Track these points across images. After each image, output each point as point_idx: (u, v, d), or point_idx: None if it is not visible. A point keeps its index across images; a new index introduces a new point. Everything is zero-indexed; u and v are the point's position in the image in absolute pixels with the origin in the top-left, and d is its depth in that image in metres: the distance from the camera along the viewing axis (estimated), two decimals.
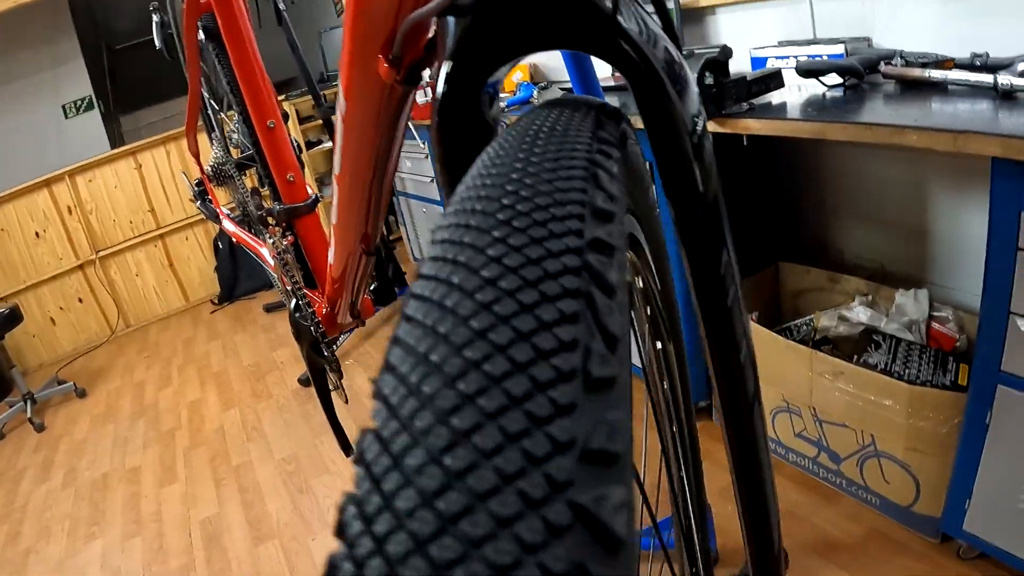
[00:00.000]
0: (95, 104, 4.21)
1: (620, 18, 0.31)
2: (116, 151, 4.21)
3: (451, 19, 0.34)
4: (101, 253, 4.20)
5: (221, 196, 1.90)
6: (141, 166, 4.26)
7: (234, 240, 1.57)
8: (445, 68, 0.33)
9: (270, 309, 4.09)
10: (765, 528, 0.51)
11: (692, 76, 0.37)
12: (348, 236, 0.81)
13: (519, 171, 0.25)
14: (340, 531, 0.17)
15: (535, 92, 2.83)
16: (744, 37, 2.15)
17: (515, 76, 3.24)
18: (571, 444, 0.16)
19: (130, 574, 2.07)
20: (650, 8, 0.40)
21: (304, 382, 3.06)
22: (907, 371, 1.61)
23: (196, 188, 1.66)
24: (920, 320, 1.75)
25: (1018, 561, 1.40)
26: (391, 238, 4.18)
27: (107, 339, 4.27)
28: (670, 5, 1.87)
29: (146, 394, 3.37)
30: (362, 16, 0.48)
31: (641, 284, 0.51)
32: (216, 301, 4.46)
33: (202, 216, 4.34)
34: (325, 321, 1.16)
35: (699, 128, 0.36)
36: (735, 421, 0.47)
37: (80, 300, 4.21)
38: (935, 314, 1.75)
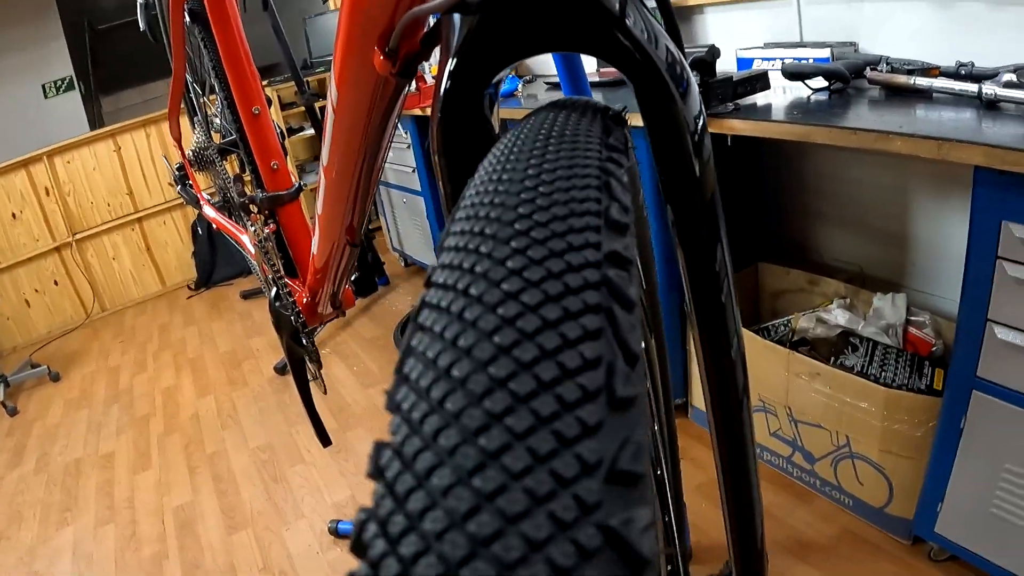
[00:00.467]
0: (75, 84, 4.15)
1: (627, 21, 0.31)
2: (95, 132, 4.15)
3: (456, 16, 0.33)
4: (78, 236, 4.15)
5: (201, 181, 1.88)
6: (120, 148, 4.20)
7: (214, 226, 1.55)
8: (450, 65, 0.33)
9: (247, 296, 4.06)
10: (750, 526, 0.51)
11: (694, 77, 0.37)
12: (333, 227, 0.81)
13: (533, 177, 0.25)
14: (360, 550, 0.17)
15: (520, 85, 2.82)
16: (731, 37, 2.16)
17: None
18: (598, 465, 0.16)
19: (102, 561, 2.05)
20: (651, 3, 0.40)
21: (280, 370, 3.04)
22: (883, 374, 1.63)
23: (177, 173, 1.64)
24: (897, 324, 1.76)
25: (989, 565, 1.42)
26: (371, 227, 4.15)
27: (82, 323, 4.22)
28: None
29: (121, 379, 3.33)
30: (359, 7, 0.47)
31: None
32: (193, 287, 4.42)
33: (181, 200, 4.33)
34: (306, 310, 1.15)
35: (700, 127, 0.37)
36: (725, 418, 0.47)
37: (56, 283, 4.16)
38: (912, 319, 1.77)
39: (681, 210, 0.38)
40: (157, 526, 2.17)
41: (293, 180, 1.12)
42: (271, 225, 1.09)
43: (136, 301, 4.40)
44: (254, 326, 3.66)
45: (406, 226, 3.65)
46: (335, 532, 1.96)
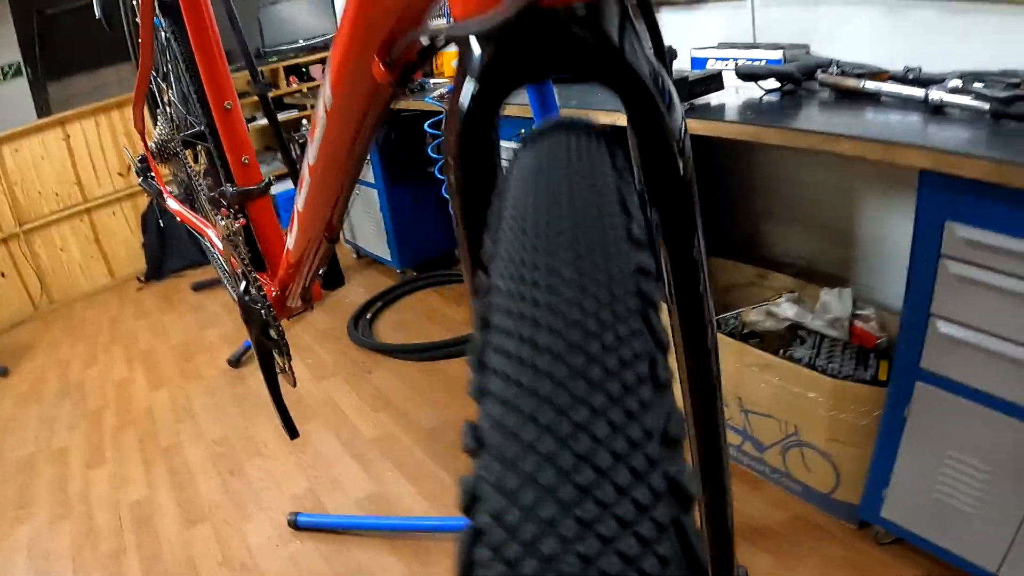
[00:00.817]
0: (23, 70, 4.05)
1: (625, 50, 0.34)
2: (43, 120, 4.05)
3: (474, 40, 0.36)
4: (26, 227, 4.05)
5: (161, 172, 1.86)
6: (69, 137, 4.11)
7: (177, 219, 1.55)
8: (472, 88, 0.35)
9: (199, 288, 4.02)
10: (722, 507, 0.54)
11: (675, 90, 0.40)
12: (314, 224, 0.82)
13: (570, 237, 0.27)
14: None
15: None
16: (686, 37, 2.21)
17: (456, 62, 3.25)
18: (655, 432, 0.21)
19: (60, 558, 2.03)
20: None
21: (234, 363, 3.03)
22: (830, 366, 1.69)
23: (139, 164, 1.63)
24: (844, 318, 1.83)
25: (932, 546, 1.50)
26: None
27: (30, 316, 4.12)
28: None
29: (71, 373, 3.27)
30: (363, 17, 0.50)
31: None
32: (143, 278, 4.35)
33: (131, 191, 4.26)
34: (275, 304, 1.17)
35: (683, 132, 0.40)
36: (701, 406, 0.50)
37: (2, 275, 4.05)
38: (858, 312, 1.84)
39: (665, 208, 0.41)
40: (114, 521, 2.15)
41: (262, 175, 1.13)
42: (241, 219, 1.10)
43: (86, 293, 4.31)
44: (207, 318, 3.63)
45: (359, 218, 3.65)
46: (294, 524, 1.97)
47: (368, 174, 3.33)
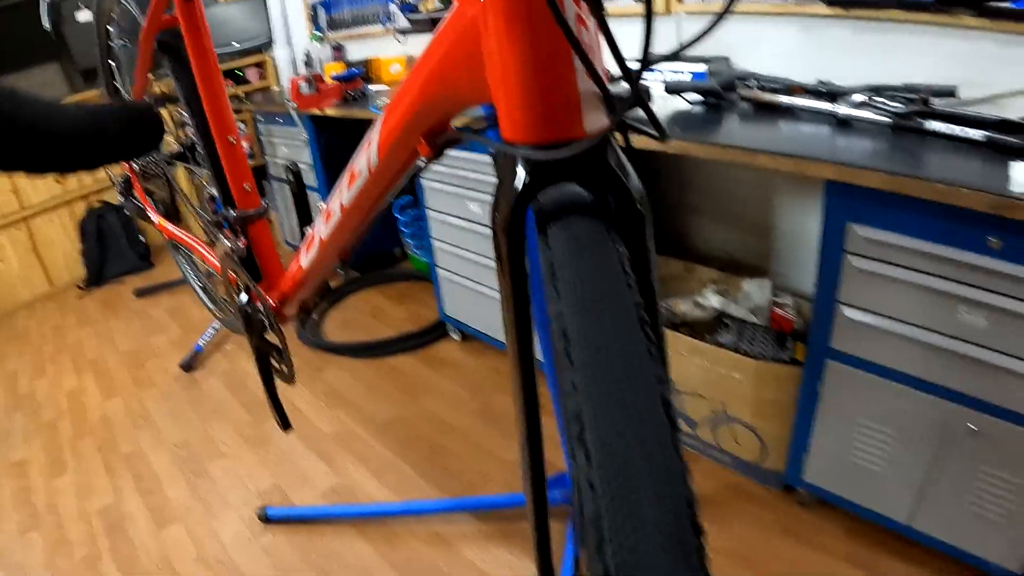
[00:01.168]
0: None
1: (613, 165, 0.50)
2: None
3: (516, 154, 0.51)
4: None
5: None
6: None
7: (164, 236, 1.63)
8: (517, 192, 0.50)
9: (142, 294, 4.02)
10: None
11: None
12: (334, 250, 0.95)
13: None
14: None
15: None
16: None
17: (394, 68, 3.34)
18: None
19: (34, 568, 2.07)
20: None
21: (185, 367, 3.07)
22: (753, 348, 1.85)
23: (122, 184, 1.69)
24: (764, 306, 2.01)
25: (850, 504, 1.68)
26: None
27: None
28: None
29: (20, 384, 3.26)
30: (423, 104, 0.63)
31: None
32: (83, 285, 4.32)
33: (67, 197, 4.22)
34: (276, 312, 1.28)
35: (644, 197, 0.54)
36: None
37: None
38: (777, 300, 2.01)
39: (628, 230, 0.55)
40: (85, 529, 2.19)
41: (260, 200, 1.25)
42: (243, 240, 1.21)
43: (26, 302, 4.25)
44: (153, 324, 3.64)
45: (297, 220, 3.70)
46: (264, 518, 2.05)
47: (310, 178, 3.41)
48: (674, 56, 0.55)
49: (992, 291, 1.29)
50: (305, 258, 1.04)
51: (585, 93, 0.50)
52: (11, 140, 0.75)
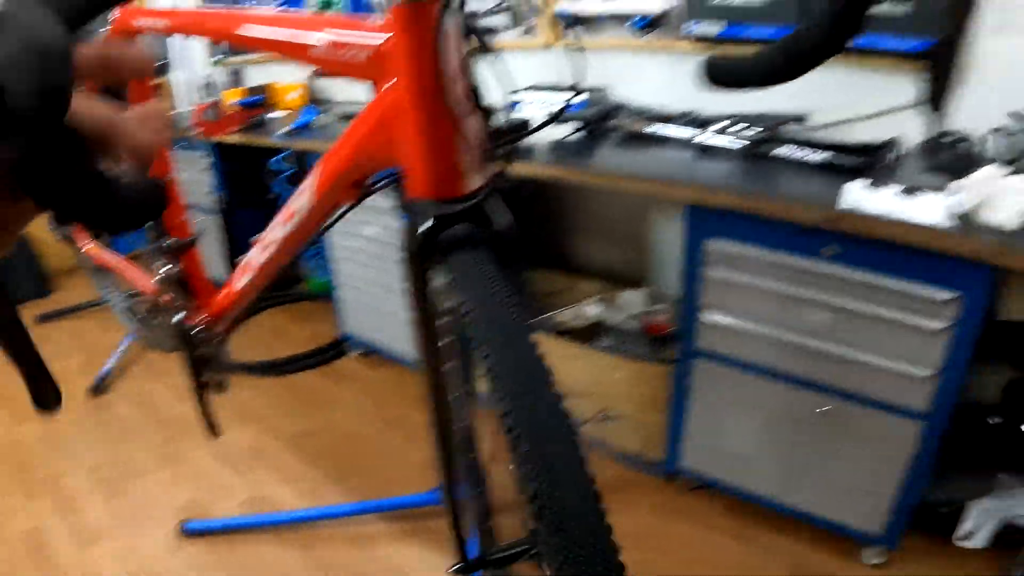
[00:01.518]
0: None
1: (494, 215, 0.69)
2: None
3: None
4: None
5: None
6: None
7: (93, 261, 1.72)
8: (427, 225, 0.66)
9: (45, 319, 3.97)
10: None
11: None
12: (271, 272, 1.10)
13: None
14: None
15: (318, 115, 2.93)
16: (502, 79, 2.50)
17: (292, 95, 3.43)
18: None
19: None
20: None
21: (95, 391, 3.07)
22: (631, 351, 2.03)
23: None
24: (640, 312, 2.19)
25: (727, 487, 1.87)
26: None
27: None
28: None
29: None
30: (354, 163, 0.79)
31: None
32: None
33: None
34: (209, 327, 1.42)
35: (513, 228, 0.72)
36: None
37: None
38: (652, 308, 2.20)
39: (504, 256, 0.71)
40: (7, 552, 2.18)
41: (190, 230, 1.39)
42: (179, 265, 1.36)
43: None
44: (58, 349, 3.57)
45: (208, 245, 3.74)
46: (185, 532, 2.12)
47: (208, 202, 3.46)
48: (548, 123, 0.73)
49: (829, 292, 1.50)
50: (239, 281, 1.18)
51: (470, 161, 0.69)
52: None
